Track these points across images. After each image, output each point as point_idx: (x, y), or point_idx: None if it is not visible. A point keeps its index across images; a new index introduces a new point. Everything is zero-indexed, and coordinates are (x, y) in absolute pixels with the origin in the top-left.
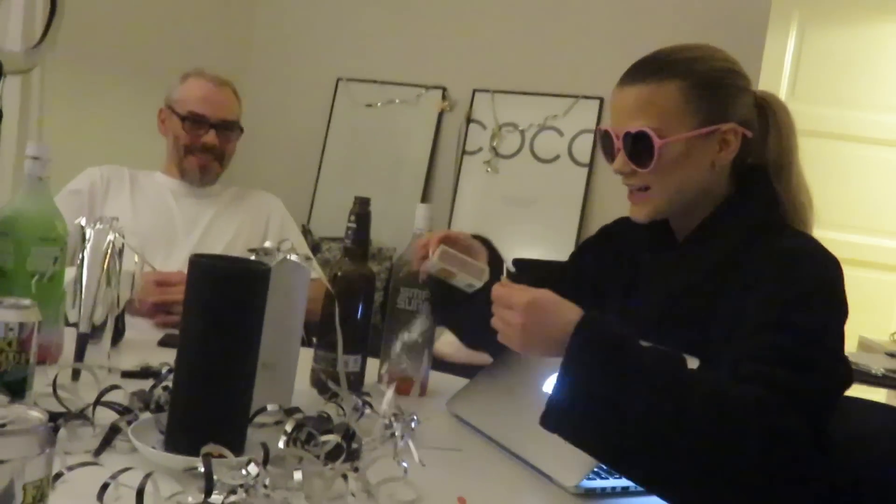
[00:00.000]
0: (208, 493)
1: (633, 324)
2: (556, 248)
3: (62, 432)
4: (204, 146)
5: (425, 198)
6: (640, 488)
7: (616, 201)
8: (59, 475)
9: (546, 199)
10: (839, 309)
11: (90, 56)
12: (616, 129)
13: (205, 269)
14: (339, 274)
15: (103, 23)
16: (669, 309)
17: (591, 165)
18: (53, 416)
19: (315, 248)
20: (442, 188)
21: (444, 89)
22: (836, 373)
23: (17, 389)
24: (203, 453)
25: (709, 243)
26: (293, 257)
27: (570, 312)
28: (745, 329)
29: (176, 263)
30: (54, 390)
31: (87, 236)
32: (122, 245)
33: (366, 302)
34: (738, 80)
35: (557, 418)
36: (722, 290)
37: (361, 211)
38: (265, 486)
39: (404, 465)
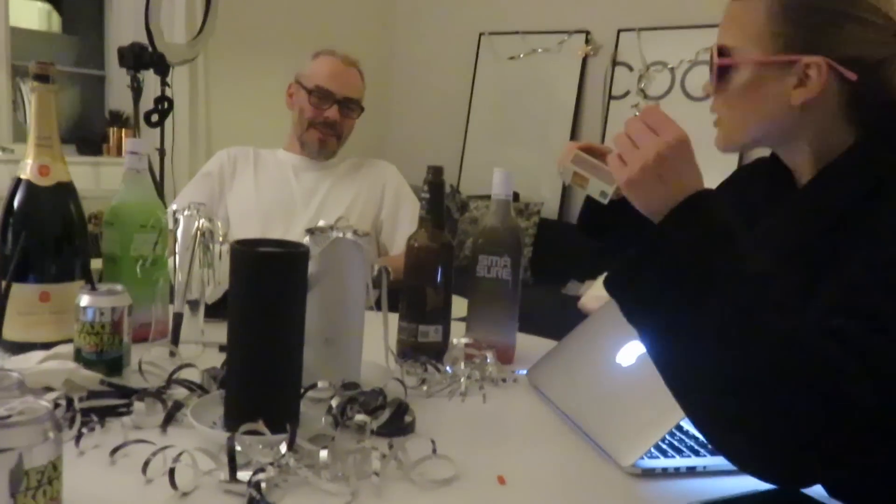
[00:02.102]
0: (232, 470)
1: None
2: None
3: (139, 407)
4: (325, 121)
5: None
6: (705, 469)
7: None
8: (117, 448)
9: (700, 141)
10: None
11: (247, 39)
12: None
13: (241, 254)
14: (416, 244)
15: (255, 2)
16: (780, 261)
17: None
18: (130, 393)
19: (463, 206)
20: (589, 137)
21: (588, 33)
22: None
23: (114, 367)
24: (241, 432)
25: (826, 194)
26: (349, 236)
27: (698, 179)
28: (846, 282)
29: (295, 235)
30: (140, 368)
31: (178, 222)
32: (209, 229)
33: (444, 272)
34: (852, 8)
35: (628, 276)
36: (836, 246)
37: (435, 180)
38: (287, 465)
39: (431, 441)
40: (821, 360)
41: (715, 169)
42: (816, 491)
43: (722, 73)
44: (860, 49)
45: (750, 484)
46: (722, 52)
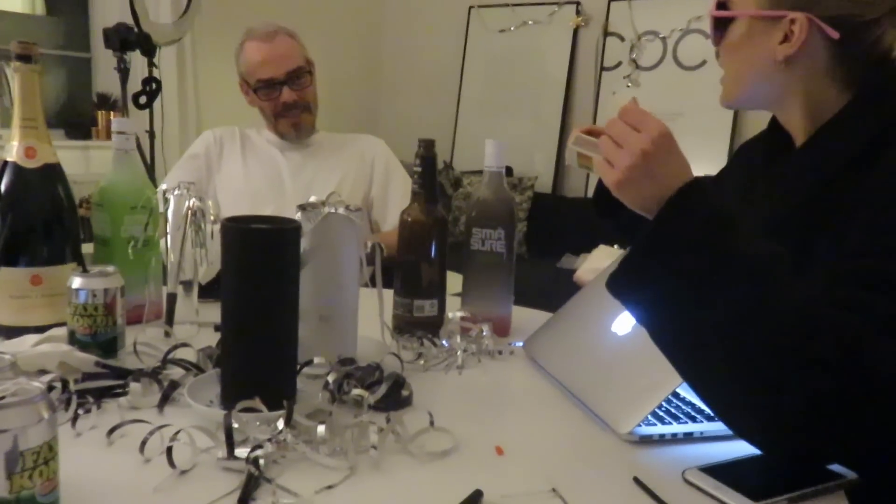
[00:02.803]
0: (230, 447)
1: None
2: (708, 163)
3: (135, 388)
4: (286, 105)
5: (564, 121)
6: (702, 435)
7: None
8: (114, 429)
9: (693, 111)
10: None
11: (234, 17)
12: None
13: (232, 231)
14: (409, 219)
15: None
16: (776, 223)
17: None
18: (125, 374)
19: (457, 182)
20: (581, 109)
21: (578, 3)
22: None
23: (109, 349)
24: (238, 409)
25: (821, 154)
26: (340, 210)
27: (686, 169)
28: (849, 250)
29: (286, 214)
30: (135, 349)
31: (168, 202)
32: (201, 208)
33: (438, 245)
34: None
35: (631, 277)
36: (832, 208)
37: (426, 153)
38: (284, 441)
39: (429, 414)
40: (838, 331)
41: (706, 141)
42: None
43: (719, 26)
44: (847, 8)
45: (747, 448)
46: (721, 5)
